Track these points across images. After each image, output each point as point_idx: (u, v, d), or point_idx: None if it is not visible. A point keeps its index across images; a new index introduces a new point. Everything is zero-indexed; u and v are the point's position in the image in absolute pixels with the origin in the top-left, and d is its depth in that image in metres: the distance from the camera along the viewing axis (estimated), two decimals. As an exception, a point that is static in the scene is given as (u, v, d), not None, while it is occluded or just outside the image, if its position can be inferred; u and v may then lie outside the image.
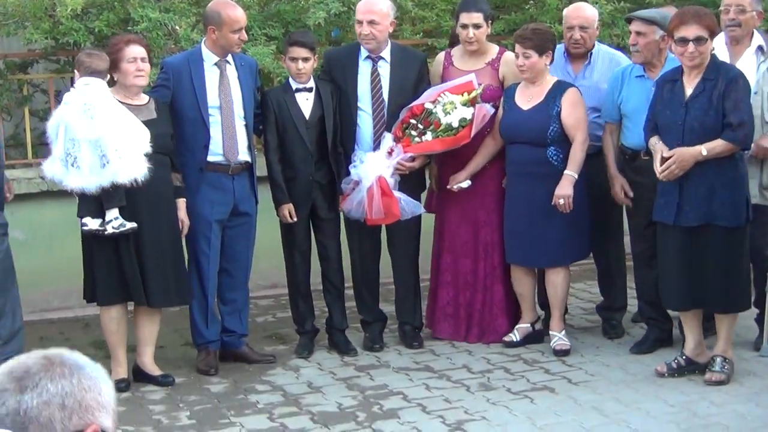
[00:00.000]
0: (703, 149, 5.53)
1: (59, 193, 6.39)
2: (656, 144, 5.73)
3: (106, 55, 5.89)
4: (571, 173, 6.20)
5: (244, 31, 6.17)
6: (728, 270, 5.66)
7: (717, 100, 5.58)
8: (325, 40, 8.73)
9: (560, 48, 6.69)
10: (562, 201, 6.14)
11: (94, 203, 5.70)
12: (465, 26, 6.46)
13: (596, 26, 6.69)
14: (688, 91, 5.69)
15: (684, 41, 5.58)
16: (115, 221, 5.68)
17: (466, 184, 6.41)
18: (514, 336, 6.54)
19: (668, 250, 5.81)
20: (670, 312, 6.30)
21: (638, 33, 6.13)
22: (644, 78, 6.20)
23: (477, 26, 6.44)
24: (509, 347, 6.48)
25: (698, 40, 5.56)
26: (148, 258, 5.86)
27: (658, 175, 5.64)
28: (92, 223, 5.72)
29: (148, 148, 5.68)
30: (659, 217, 5.81)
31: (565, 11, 6.83)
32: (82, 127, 5.58)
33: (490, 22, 6.58)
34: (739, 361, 5.98)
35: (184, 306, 6.42)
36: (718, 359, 5.81)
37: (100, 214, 5.72)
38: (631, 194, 6.26)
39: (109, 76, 5.87)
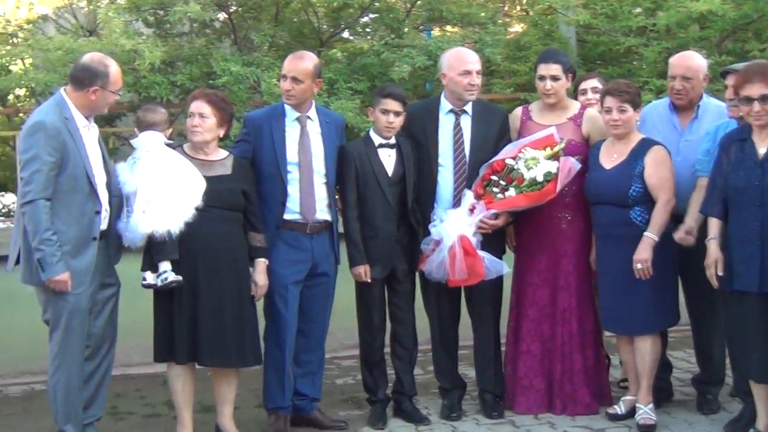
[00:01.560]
0: None
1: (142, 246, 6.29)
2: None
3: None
4: (650, 236, 5.89)
5: (289, 80, 5.99)
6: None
7: None
8: (412, 94, 8.61)
9: (666, 100, 6.46)
10: (639, 266, 5.83)
11: (149, 257, 5.65)
12: (542, 78, 6.29)
13: (703, 77, 6.32)
14: (762, 150, 5.45)
15: (749, 100, 5.36)
16: (163, 274, 5.61)
17: None
18: (619, 408, 6.24)
19: (750, 319, 5.48)
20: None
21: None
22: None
23: (555, 78, 6.24)
24: (613, 420, 6.18)
25: (764, 99, 5.32)
26: (204, 316, 5.69)
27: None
28: (149, 278, 5.67)
29: (199, 202, 5.59)
30: (741, 286, 5.48)
31: (670, 59, 6.52)
32: (126, 181, 5.60)
33: (570, 75, 6.33)
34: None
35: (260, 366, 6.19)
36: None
37: (157, 268, 5.65)
38: (721, 272, 5.84)
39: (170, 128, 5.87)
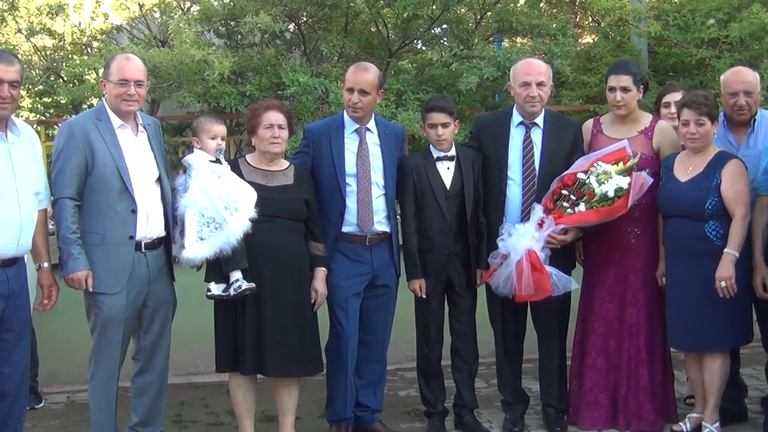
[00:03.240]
0: None
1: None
2: None
3: (248, 118, 5.92)
4: (731, 252, 5.76)
5: (357, 93, 5.98)
6: None
7: None
8: (480, 105, 8.56)
9: (720, 116, 6.31)
10: (723, 284, 5.70)
11: (215, 267, 5.66)
12: (613, 89, 6.21)
13: (758, 91, 6.23)
14: None
15: None
16: (236, 283, 5.62)
17: None
18: (685, 426, 6.15)
19: None
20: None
21: None
22: None
23: (625, 89, 6.15)
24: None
25: None
26: (268, 325, 5.71)
27: None
28: (215, 289, 5.69)
29: (253, 213, 5.61)
30: None
31: (723, 77, 6.42)
32: (177, 205, 5.67)
33: (642, 87, 6.23)
34: None
35: (322, 376, 6.21)
36: None
37: (222, 278, 5.66)
38: None
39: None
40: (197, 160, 5.76)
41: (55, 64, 10.00)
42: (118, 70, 5.51)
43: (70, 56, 9.98)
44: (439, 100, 6.38)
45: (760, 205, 5.89)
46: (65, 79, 9.60)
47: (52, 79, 9.92)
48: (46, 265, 5.40)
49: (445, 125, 6.11)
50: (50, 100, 10.06)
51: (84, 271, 5.37)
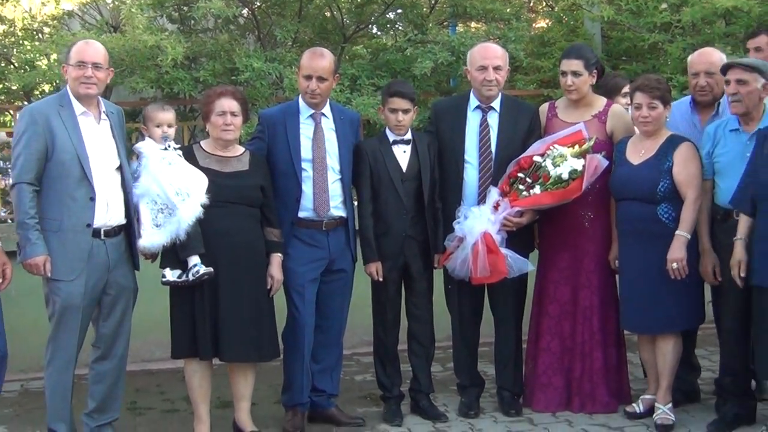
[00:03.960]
0: None
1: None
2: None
3: (202, 104, 5.92)
4: (683, 234, 5.83)
5: (315, 80, 5.97)
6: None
7: None
8: (435, 90, 8.57)
9: (687, 99, 6.41)
10: (675, 265, 5.77)
11: (171, 254, 5.64)
12: (564, 74, 6.24)
13: None
14: None
15: None
16: (194, 268, 5.61)
17: None
18: (638, 407, 6.21)
19: (765, 317, 5.43)
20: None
21: (739, 81, 5.71)
22: (739, 131, 5.82)
23: (576, 74, 6.19)
24: (631, 419, 6.16)
25: None
26: (224, 311, 5.71)
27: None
28: (170, 275, 5.67)
29: (204, 199, 5.60)
30: (759, 282, 5.44)
31: (689, 57, 6.50)
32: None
33: (594, 71, 6.26)
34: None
35: (278, 361, 6.21)
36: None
37: (179, 264, 5.64)
38: (720, 278, 5.87)
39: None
40: (147, 147, 5.74)
41: (5, 51, 9.90)
42: (77, 53, 5.49)
43: (21, 42, 9.88)
44: (402, 85, 6.39)
45: (704, 190, 5.94)
46: (16, 65, 9.49)
47: (3, 65, 9.82)
48: None
49: (405, 111, 6.13)
50: (1, 86, 9.95)
51: (42, 257, 5.34)
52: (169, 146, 5.77)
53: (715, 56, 6.34)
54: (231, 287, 5.72)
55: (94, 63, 5.48)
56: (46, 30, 10.14)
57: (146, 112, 5.91)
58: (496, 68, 6.19)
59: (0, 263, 5.35)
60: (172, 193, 5.56)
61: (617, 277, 6.26)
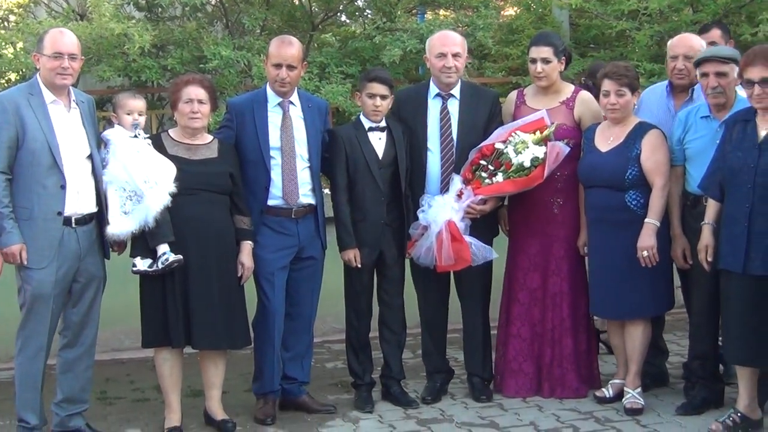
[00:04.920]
0: None
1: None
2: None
3: (170, 92, 5.92)
4: (652, 221, 5.88)
5: (284, 68, 5.97)
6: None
7: None
8: (403, 77, 8.58)
9: (663, 84, 6.46)
10: (645, 253, 5.81)
11: (141, 242, 5.65)
12: (534, 61, 6.28)
13: None
14: (762, 132, 5.42)
15: (750, 83, 5.35)
16: (163, 256, 5.62)
17: None
18: (607, 392, 6.26)
19: (734, 301, 5.49)
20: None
21: (719, 74, 5.77)
22: (710, 118, 5.88)
23: (546, 61, 6.23)
24: (601, 403, 6.20)
25: (764, 82, 5.30)
26: (195, 298, 5.73)
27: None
28: (140, 264, 5.68)
29: (173, 188, 5.62)
30: (725, 265, 5.49)
31: (669, 42, 6.53)
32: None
33: (563, 58, 6.30)
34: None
35: (249, 350, 6.24)
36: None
37: (149, 253, 5.65)
38: (691, 262, 5.93)
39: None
40: (115, 135, 5.73)
41: (-30, 39, 9.81)
42: (52, 44, 5.48)
43: (-14, 30, 9.80)
44: (380, 71, 6.42)
45: (675, 176, 5.99)
46: (-18, 53, 9.42)
47: (-32, 53, 9.74)
48: None
49: (383, 97, 6.15)
50: (-34, 74, 9.87)
51: (18, 245, 5.35)
52: (138, 134, 5.76)
53: (694, 41, 6.40)
54: (201, 275, 5.73)
55: (70, 54, 5.48)
56: (12, 18, 10.05)
57: (117, 100, 5.90)
58: (455, 55, 6.23)
59: None
60: (141, 180, 5.56)
61: (587, 263, 6.30)
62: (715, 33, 6.93)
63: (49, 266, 5.43)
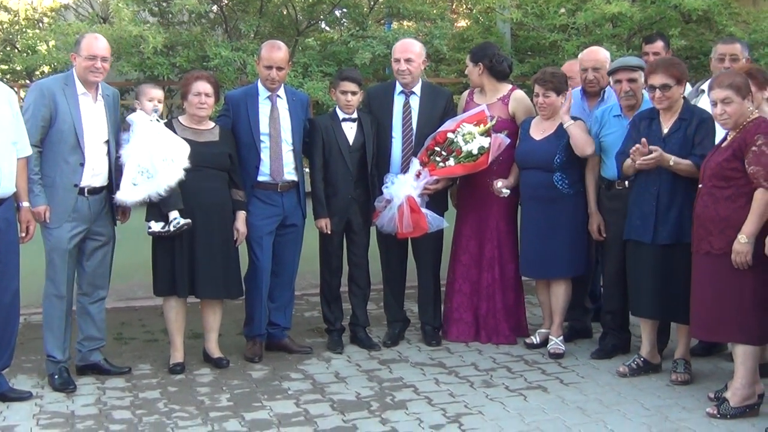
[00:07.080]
0: (672, 160, 5.28)
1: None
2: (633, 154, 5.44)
3: (181, 85, 6.01)
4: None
5: (274, 70, 5.98)
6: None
7: (690, 137, 5.38)
8: (372, 77, 8.58)
9: (578, 89, 6.48)
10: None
11: (155, 209, 5.66)
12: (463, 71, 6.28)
13: (606, 67, 6.30)
14: (665, 128, 5.48)
15: (652, 88, 5.41)
16: (174, 220, 5.64)
17: (506, 192, 6.14)
18: (535, 339, 6.33)
19: (642, 266, 5.54)
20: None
21: (631, 80, 5.83)
22: (621, 117, 5.93)
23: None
24: (530, 348, 6.27)
25: (664, 87, 5.37)
26: (199, 256, 5.78)
27: (636, 162, 5.35)
28: (155, 226, 5.69)
29: (187, 164, 5.64)
30: (636, 236, 5.54)
31: (579, 55, 6.57)
32: (120, 155, 5.65)
33: (480, 64, 6.34)
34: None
35: (241, 300, 6.25)
36: (681, 362, 5.61)
37: (161, 218, 5.67)
38: (604, 235, 6.00)
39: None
40: (138, 117, 5.73)
41: (10, 37, 9.71)
42: (88, 47, 5.51)
43: (24, 30, 9.68)
44: (351, 71, 6.41)
45: (592, 163, 6.05)
46: (20, 49, 9.32)
47: (8, 49, 9.64)
48: (25, 204, 5.34)
49: (354, 93, 6.18)
50: (7, 67, 9.77)
51: (43, 206, 5.40)
52: (157, 119, 5.78)
53: (600, 54, 6.43)
54: (204, 237, 5.77)
55: (102, 56, 5.52)
56: (45, 20, 9.94)
57: (140, 89, 5.91)
58: (407, 60, 6.26)
59: (25, 220, 5.35)
60: (159, 158, 5.57)
61: (519, 232, 6.37)
62: (659, 44, 6.94)
63: (63, 226, 5.47)
